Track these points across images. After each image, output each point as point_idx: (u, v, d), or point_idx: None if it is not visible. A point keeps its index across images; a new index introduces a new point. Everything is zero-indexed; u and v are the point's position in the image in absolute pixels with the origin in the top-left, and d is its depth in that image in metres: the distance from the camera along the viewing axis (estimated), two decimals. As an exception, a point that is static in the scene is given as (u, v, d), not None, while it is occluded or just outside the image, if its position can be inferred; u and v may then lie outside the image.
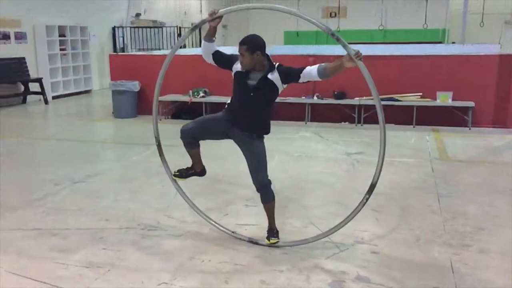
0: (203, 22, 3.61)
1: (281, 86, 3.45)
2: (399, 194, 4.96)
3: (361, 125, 8.54)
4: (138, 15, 16.50)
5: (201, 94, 9.03)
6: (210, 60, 3.58)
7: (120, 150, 7.30)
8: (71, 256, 3.55)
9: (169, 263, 3.47)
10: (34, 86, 11.69)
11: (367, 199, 3.40)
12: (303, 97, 8.87)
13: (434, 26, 20.50)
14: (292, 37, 22.31)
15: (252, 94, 3.44)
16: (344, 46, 3.10)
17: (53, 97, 12.39)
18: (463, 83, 8.43)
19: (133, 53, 14.07)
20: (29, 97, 11.77)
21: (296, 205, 4.63)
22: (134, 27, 15.95)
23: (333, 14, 22.58)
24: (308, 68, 3.32)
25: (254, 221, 4.11)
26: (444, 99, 8.36)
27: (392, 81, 8.64)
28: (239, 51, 3.38)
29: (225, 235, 3.87)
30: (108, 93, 10.38)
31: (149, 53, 12.10)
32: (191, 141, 3.67)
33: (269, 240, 3.65)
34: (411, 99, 8.55)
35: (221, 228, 3.92)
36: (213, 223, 3.96)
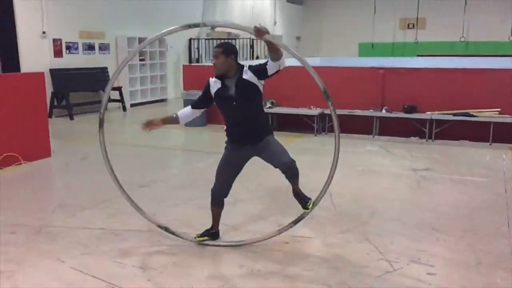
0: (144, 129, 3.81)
1: (258, 83, 3.56)
2: (466, 214, 4.70)
3: (432, 141, 8.20)
4: (213, 27, 17.02)
5: (268, 105, 9.12)
6: (200, 113, 3.85)
7: (186, 157, 7.56)
8: (129, 256, 3.73)
9: (220, 270, 3.53)
10: (114, 94, 12.43)
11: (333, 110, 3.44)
12: (371, 110, 8.68)
13: (520, 38, 19.32)
14: (367, 49, 21.92)
15: (235, 102, 3.55)
16: (243, 29, 3.43)
17: (131, 105, 13.10)
18: (547, 99, 7.87)
19: (206, 64, 14.51)
20: (110, 104, 12.50)
21: (353, 220, 4.53)
22: (209, 39, 16.46)
23: (410, 26, 21.96)
24: (269, 61, 3.46)
25: (310, 234, 4.08)
26: (525, 115, 7.83)
27: (469, 95, 8.27)
28: (214, 54, 3.58)
29: (277, 244, 3.88)
30: (181, 102, 10.77)
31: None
32: (220, 201, 3.91)
33: (308, 208, 3.70)
34: (488, 114, 8.09)
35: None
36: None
